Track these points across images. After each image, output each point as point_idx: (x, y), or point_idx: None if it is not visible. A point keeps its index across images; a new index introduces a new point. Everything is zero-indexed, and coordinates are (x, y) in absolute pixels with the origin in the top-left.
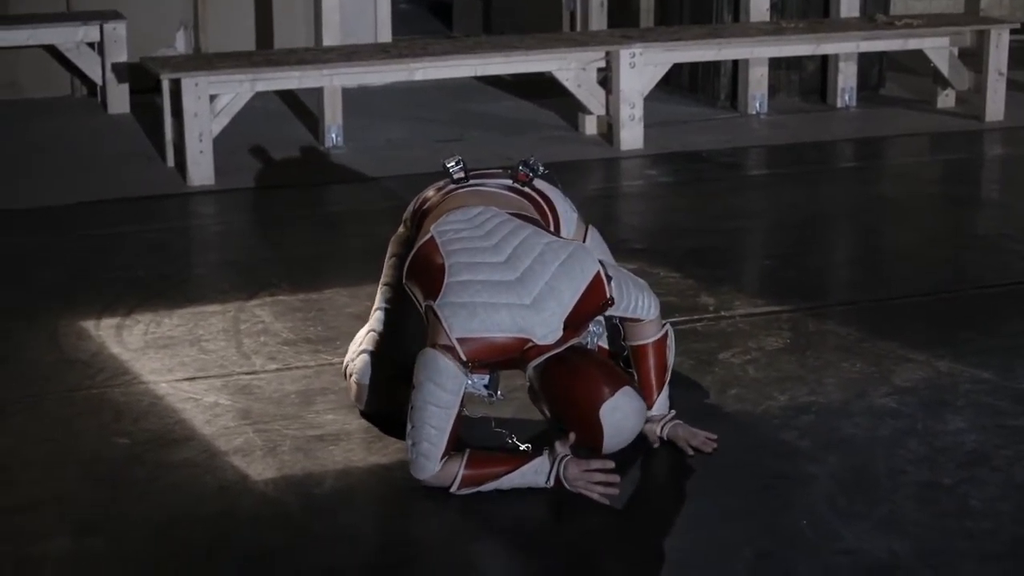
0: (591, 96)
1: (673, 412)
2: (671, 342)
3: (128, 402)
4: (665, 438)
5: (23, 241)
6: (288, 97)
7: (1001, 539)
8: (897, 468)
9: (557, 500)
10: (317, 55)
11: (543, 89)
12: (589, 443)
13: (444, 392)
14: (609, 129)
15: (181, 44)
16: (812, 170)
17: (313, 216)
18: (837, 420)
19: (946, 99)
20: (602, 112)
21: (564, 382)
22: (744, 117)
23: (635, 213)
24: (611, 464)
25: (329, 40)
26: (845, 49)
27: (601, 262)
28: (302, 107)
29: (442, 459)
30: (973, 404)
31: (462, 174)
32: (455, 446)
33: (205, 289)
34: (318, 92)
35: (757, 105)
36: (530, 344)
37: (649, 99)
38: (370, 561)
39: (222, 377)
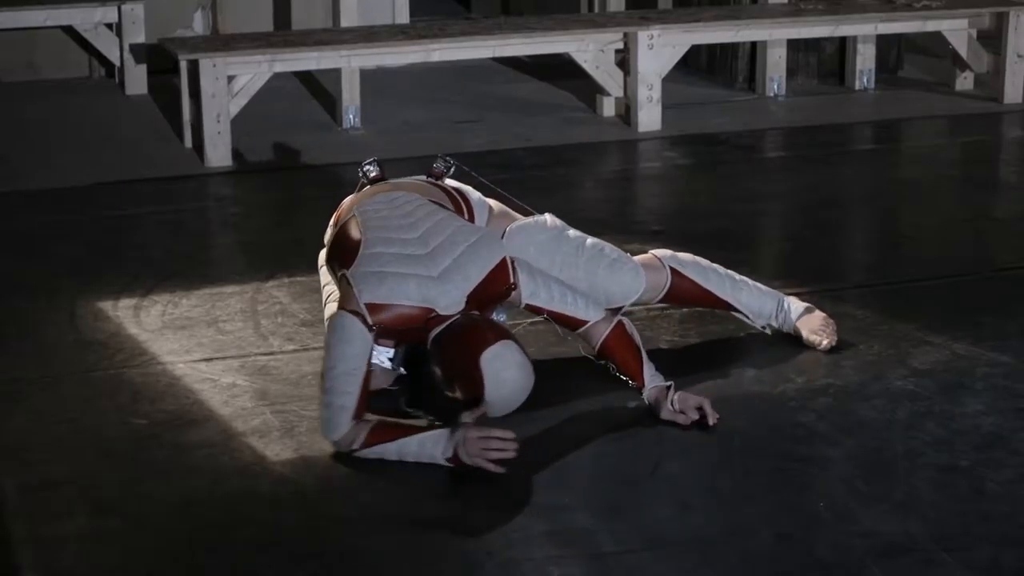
0: (609, 77)
1: (671, 383)
2: (631, 326)
3: (146, 383)
4: (678, 409)
5: (41, 222)
6: (306, 78)
7: (1018, 522)
8: (914, 451)
9: (572, 478)
10: (335, 36)
11: (561, 71)
12: (475, 398)
13: (352, 351)
14: (627, 111)
15: (199, 25)
16: (830, 152)
17: (330, 197)
18: (854, 402)
19: (964, 81)
20: (620, 94)
21: (452, 341)
22: (762, 99)
23: (653, 195)
24: (510, 434)
25: (347, 21)
26: (863, 31)
27: (515, 259)
28: (320, 88)
29: (353, 420)
30: (991, 387)
31: (375, 172)
32: (366, 410)
33: (222, 270)
34: (336, 73)
35: (775, 87)
36: (433, 314)
37: (667, 81)
38: (387, 543)
39: (239, 358)
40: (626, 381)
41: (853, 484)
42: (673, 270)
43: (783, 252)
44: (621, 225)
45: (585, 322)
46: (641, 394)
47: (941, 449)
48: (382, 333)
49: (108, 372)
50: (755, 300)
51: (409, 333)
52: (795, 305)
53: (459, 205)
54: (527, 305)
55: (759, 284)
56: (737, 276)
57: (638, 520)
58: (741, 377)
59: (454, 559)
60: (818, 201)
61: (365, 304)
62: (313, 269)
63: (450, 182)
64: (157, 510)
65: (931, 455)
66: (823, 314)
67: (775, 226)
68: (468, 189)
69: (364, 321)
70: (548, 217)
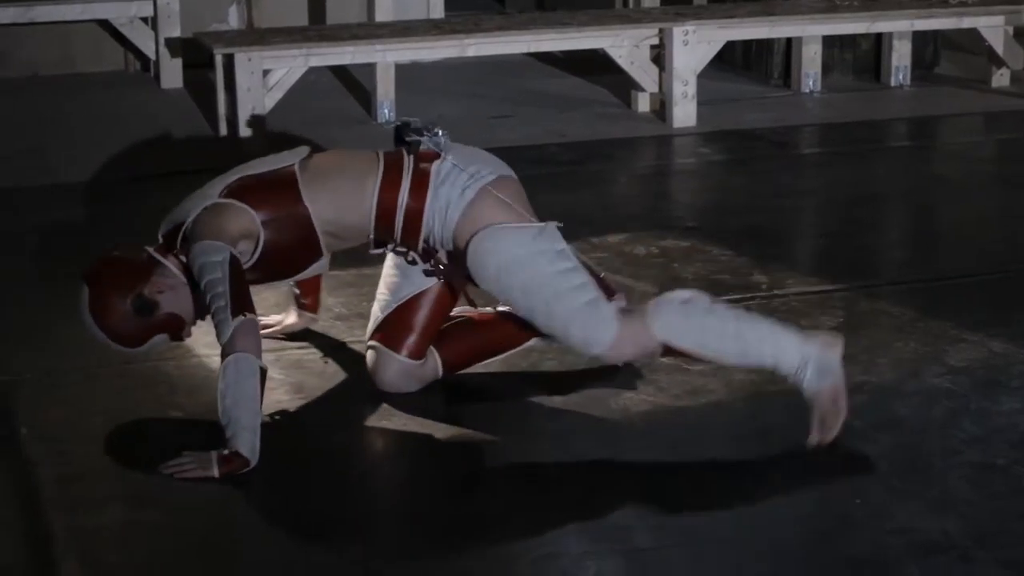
0: (644, 73)
1: None
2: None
3: (182, 375)
4: None
5: (77, 214)
6: (340, 72)
7: None
8: (950, 448)
9: (607, 474)
10: (370, 31)
11: (595, 66)
12: None
13: None
14: (662, 106)
15: (234, 19)
16: (865, 149)
17: None
18: (890, 400)
19: (1000, 78)
20: (655, 89)
21: None
22: (797, 95)
23: (687, 191)
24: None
25: (382, 16)
26: (899, 27)
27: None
28: (354, 83)
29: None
30: None
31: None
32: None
33: None
34: (370, 68)
35: (810, 83)
36: None
37: (702, 76)
38: (423, 538)
39: (275, 351)
40: None
41: (889, 481)
42: (665, 346)
43: (818, 249)
44: (655, 221)
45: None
46: None
47: (977, 447)
48: None
49: (145, 364)
50: (766, 358)
51: None
52: (820, 362)
53: (394, 172)
54: None
55: (777, 332)
56: (749, 330)
57: (673, 516)
58: (777, 374)
59: (490, 554)
60: (853, 198)
61: None
62: (348, 262)
63: (449, 156)
64: (192, 502)
65: (967, 453)
66: (839, 395)
67: (810, 222)
68: (447, 176)
69: None
70: (550, 226)
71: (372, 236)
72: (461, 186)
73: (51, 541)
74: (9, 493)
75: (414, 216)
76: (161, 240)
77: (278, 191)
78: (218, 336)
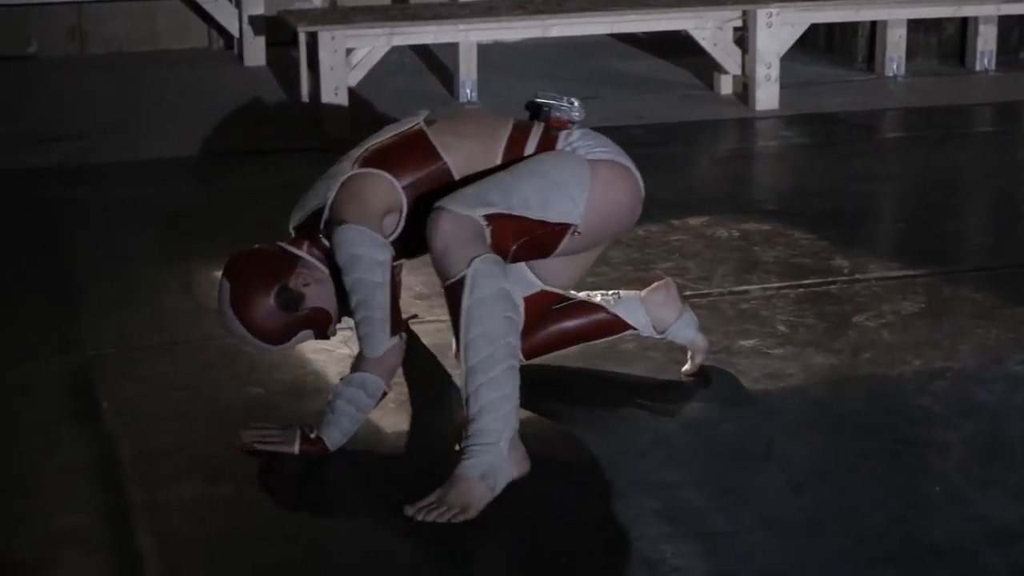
0: (727, 55)
1: None
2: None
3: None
4: None
5: (160, 191)
6: (422, 52)
7: None
8: None
9: (684, 457)
10: (453, 10)
11: (678, 48)
12: None
13: None
14: (744, 89)
15: None
16: (949, 134)
17: None
18: (972, 386)
19: None
20: (738, 72)
21: None
22: (881, 79)
23: (769, 174)
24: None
25: None
26: (985, 12)
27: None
28: (436, 61)
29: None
30: None
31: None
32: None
33: None
34: (453, 47)
35: (894, 67)
36: None
37: (785, 59)
38: (498, 518)
39: (355, 329)
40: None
41: (969, 468)
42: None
43: (899, 233)
44: (737, 204)
45: None
46: None
47: None
48: None
49: (224, 341)
50: (478, 400)
51: None
52: (502, 466)
53: (523, 136)
54: None
55: (509, 410)
56: (498, 375)
57: (750, 500)
58: (858, 359)
59: (566, 535)
60: (936, 183)
61: None
62: None
63: (574, 135)
64: (270, 478)
65: None
66: (476, 502)
67: (892, 207)
68: (575, 143)
69: None
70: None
71: None
72: (586, 150)
73: (129, 515)
74: (89, 468)
75: None
76: (293, 233)
77: (411, 150)
78: (365, 348)
